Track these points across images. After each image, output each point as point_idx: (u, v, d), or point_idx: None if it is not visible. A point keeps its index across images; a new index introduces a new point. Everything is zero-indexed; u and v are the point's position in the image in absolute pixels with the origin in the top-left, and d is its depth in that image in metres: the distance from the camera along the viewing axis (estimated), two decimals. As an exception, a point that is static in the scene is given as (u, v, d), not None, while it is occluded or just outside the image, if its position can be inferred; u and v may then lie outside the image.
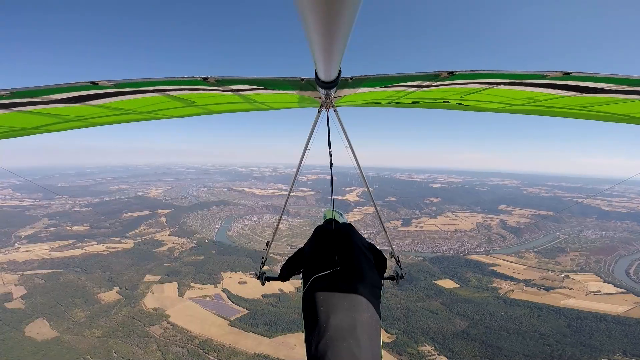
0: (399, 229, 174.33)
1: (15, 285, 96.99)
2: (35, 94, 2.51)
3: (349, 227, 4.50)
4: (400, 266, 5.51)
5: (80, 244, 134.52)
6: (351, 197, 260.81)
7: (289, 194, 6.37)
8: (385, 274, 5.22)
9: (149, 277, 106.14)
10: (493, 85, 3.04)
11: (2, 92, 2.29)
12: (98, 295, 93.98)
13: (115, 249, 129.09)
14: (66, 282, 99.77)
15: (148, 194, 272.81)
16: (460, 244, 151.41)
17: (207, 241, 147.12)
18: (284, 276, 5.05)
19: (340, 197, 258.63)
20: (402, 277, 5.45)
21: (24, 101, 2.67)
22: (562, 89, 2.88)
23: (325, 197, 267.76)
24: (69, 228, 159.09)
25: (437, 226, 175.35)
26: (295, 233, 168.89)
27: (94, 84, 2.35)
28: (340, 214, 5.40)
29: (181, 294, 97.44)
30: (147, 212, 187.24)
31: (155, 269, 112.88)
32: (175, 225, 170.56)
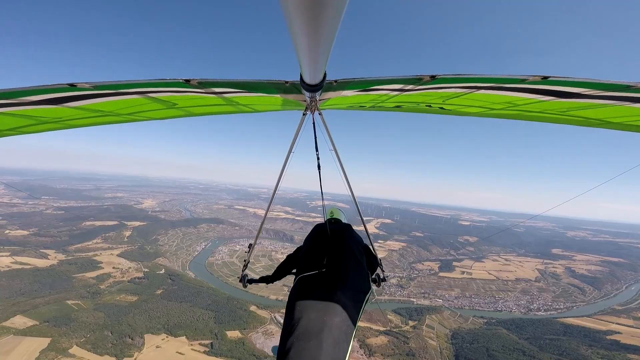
0: (439, 274, 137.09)
1: None
2: (10, 96, 2.43)
3: (345, 228, 4.50)
4: (382, 269, 5.30)
5: None
6: (369, 228, 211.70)
7: (272, 197, 5.71)
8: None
9: (16, 320, 68.07)
10: (474, 90, 3.05)
11: None
12: None
13: (23, 267, 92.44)
14: None
15: (140, 204, 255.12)
16: (529, 297, 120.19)
17: (162, 271, 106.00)
18: (278, 274, 5.02)
19: (355, 228, 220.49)
20: (384, 279, 5.39)
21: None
22: (541, 94, 2.92)
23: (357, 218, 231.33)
24: (7, 232, 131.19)
25: (489, 273, 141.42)
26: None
27: (72, 86, 2.31)
28: (342, 212, 5.46)
29: None
30: (114, 223, 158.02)
31: (42, 307, 74.47)
32: (138, 243, 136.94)
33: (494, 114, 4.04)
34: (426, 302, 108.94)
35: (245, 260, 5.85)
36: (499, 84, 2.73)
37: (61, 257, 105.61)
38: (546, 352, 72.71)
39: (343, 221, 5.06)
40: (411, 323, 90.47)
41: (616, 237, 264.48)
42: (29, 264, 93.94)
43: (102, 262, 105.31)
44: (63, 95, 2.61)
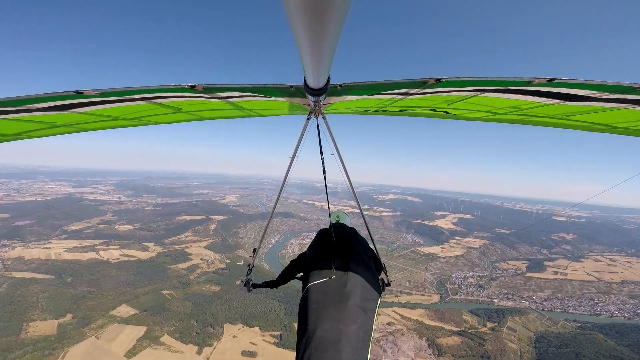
0: (526, 274, 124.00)
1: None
2: (17, 104, 2.45)
3: (350, 232, 4.43)
4: (386, 274, 5.25)
5: (102, 246, 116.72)
6: (444, 223, 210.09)
7: (277, 200, 5.74)
8: None
9: (121, 310, 77.61)
10: (479, 93, 3.03)
11: None
12: (27, 325, 68.85)
13: (129, 259, 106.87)
14: (23, 295, 77.98)
15: (222, 200, 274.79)
16: (637, 302, 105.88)
17: (242, 263, 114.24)
18: (281, 280, 5.02)
19: (428, 223, 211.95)
20: (388, 284, 5.08)
21: (5, 109, 2.62)
22: (546, 97, 2.89)
23: (408, 221, 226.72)
24: (117, 227, 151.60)
25: (588, 274, 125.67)
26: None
27: (79, 93, 2.33)
28: (346, 215, 5.50)
29: (133, 352, 64.17)
30: (202, 217, 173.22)
31: (142, 297, 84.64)
32: (222, 236, 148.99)
33: (498, 119, 4.00)
34: (509, 304, 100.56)
35: (249, 265, 5.80)
36: (504, 86, 2.72)
37: (159, 249, 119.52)
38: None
39: (348, 225, 4.98)
40: (489, 324, 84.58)
41: None
42: (134, 256, 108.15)
43: (191, 254, 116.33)
44: (69, 103, 2.67)
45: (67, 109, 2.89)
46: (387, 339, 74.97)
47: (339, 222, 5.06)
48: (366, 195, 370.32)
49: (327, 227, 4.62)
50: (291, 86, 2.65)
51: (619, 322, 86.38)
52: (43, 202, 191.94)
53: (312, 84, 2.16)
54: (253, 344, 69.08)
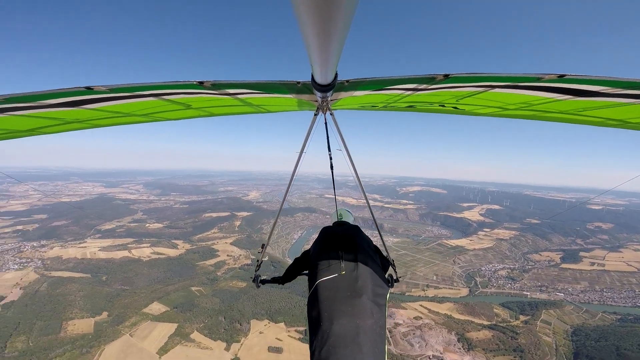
0: (560, 266, 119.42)
1: (20, 288, 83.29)
2: (29, 100, 2.50)
3: (355, 230, 4.41)
4: (395, 270, 5.42)
5: (134, 244, 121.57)
6: (472, 215, 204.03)
7: (284, 197, 5.90)
8: None
9: (153, 307, 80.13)
10: (488, 89, 3.02)
11: None
12: (66, 324, 71.92)
13: (159, 257, 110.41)
14: (62, 294, 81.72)
15: (246, 196, 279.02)
16: None
17: (266, 258, 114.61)
18: (287, 277, 5.06)
19: (454, 214, 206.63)
20: (397, 280, 5.30)
21: (18, 106, 2.66)
22: (557, 92, 2.87)
23: (433, 213, 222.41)
24: (147, 225, 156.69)
25: (628, 264, 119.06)
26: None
27: (89, 89, 2.36)
28: (349, 213, 5.49)
29: (165, 350, 66.13)
30: (227, 214, 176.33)
31: (173, 294, 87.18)
32: (247, 232, 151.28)
33: (509, 114, 3.97)
34: (543, 296, 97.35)
35: (258, 261, 5.91)
36: (514, 82, 2.72)
37: (187, 246, 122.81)
38: None
39: (351, 223, 4.95)
40: (522, 318, 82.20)
41: None
42: (164, 254, 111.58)
43: (218, 250, 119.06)
44: (80, 99, 2.72)
45: (79, 105, 2.91)
46: (414, 334, 74.14)
47: (342, 220, 5.02)
48: (389, 188, 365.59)
49: (331, 225, 4.75)
50: (298, 82, 2.66)
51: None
52: (77, 202, 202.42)
53: (320, 80, 2.18)
54: (279, 339, 70.04)
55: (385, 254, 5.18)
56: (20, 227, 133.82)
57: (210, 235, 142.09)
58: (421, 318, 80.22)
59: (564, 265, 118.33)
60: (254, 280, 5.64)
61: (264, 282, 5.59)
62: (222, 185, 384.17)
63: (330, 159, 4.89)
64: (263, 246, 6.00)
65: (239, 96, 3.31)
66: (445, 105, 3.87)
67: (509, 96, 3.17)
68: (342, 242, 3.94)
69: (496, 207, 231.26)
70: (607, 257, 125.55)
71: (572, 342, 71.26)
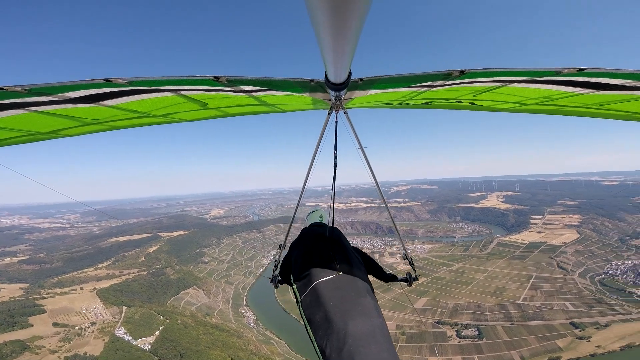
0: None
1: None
2: (51, 91, 2.49)
3: (337, 231, 4.39)
4: (414, 268, 5.53)
5: None
6: (494, 203, 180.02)
7: (299, 199, 5.95)
8: (399, 276, 5.29)
9: None
10: (506, 84, 2.96)
11: (19, 89, 2.21)
12: None
13: None
14: None
15: (205, 214, 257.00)
16: None
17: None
18: (286, 281, 5.06)
19: (473, 205, 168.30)
20: (415, 279, 5.39)
21: (39, 100, 2.61)
22: (578, 86, 2.80)
23: (446, 207, 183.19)
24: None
25: None
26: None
27: (108, 82, 2.37)
28: (325, 215, 5.45)
29: None
30: (147, 235, 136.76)
31: None
32: (158, 265, 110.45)
33: (528, 109, 3.89)
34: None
35: (275, 261, 5.77)
36: (532, 77, 2.66)
37: (17, 293, 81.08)
38: None
39: (327, 224, 4.81)
40: None
41: None
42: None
43: (57, 308, 73.24)
44: (99, 92, 2.65)
45: (97, 101, 2.81)
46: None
47: (322, 221, 4.83)
48: (374, 190, 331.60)
49: (310, 227, 4.56)
50: (312, 81, 2.63)
51: None
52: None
53: (333, 78, 2.13)
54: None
55: (405, 259, 5.67)
56: None
57: (81, 276, 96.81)
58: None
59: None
60: (272, 281, 5.46)
61: (282, 281, 5.31)
62: (180, 206, 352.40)
63: (335, 158, 4.66)
64: (280, 247, 5.84)
65: (254, 94, 3.21)
66: (462, 101, 3.74)
67: (529, 91, 3.05)
68: (330, 242, 3.85)
69: (511, 193, 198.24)
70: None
71: None
